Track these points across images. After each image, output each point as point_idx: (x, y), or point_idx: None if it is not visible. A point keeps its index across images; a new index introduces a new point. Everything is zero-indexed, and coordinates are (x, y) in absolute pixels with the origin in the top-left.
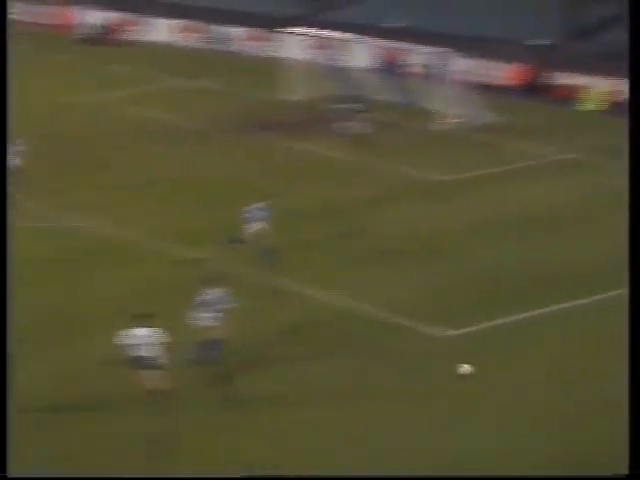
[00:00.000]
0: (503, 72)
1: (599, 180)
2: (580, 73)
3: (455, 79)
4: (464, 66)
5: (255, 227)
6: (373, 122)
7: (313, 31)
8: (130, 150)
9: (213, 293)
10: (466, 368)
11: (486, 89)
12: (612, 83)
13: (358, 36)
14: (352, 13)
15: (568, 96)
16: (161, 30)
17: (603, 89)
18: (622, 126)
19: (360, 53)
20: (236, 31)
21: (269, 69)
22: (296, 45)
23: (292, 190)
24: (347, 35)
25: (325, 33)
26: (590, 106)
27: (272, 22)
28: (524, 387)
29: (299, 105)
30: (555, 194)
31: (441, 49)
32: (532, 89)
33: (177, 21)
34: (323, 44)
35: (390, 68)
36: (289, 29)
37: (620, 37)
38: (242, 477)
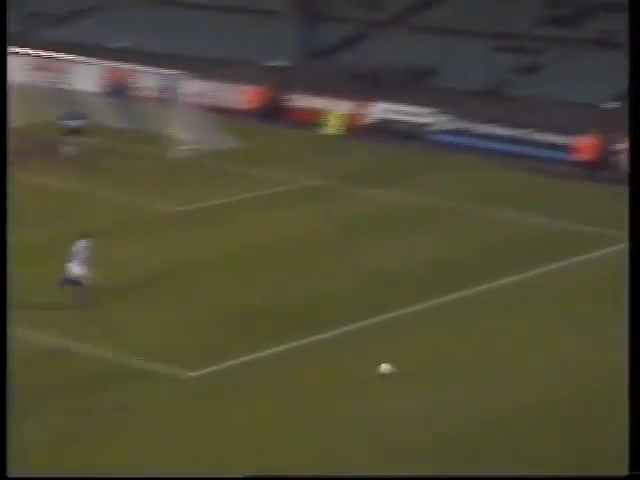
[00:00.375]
0: (240, 95)
1: (346, 207)
2: (320, 95)
3: (190, 103)
4: (199, 89)
5: (79, 266)
6: (101, 149)
7: (31, 51)
8: None
9: None
10: (385, 367)
11: (223, 113)
12: (352, 105)
13: (83, 57)
14: (75, 32)
15: (309, 119)
16: None
17: (343, 111)
18: (364, 150)
19: (85, 75)
20: None
21: None
22: (13, 66)
23: (13, 225)
24: (70, 56)
25: (45, 53)
26: (331, 129)
27: None
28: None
29: (17, 132)
30: (301, 222)
31: (174, 71)
32: (271, 112)
33: None
34: (43, 65)
35: (119, 91)
36: None
37: (358, 58)
38: (242, 477)
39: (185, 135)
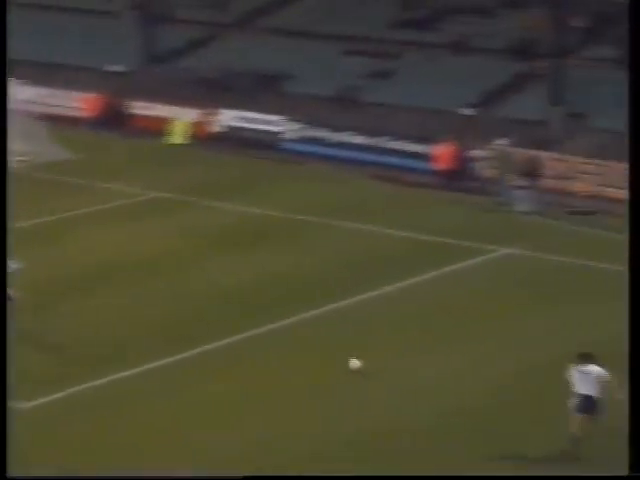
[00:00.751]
0: (76, 102)
1: (193, 220)
2: (163, 102)
3: (20, 110)
4: (30, 96)
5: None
6: None
7: None
8: None
9: None
10: (355, 362)
11: (58, 121)
12: (198, 113)
13: None
14: None
15: (151, 128)
16: None
17: (189, 120)
18: (212, 160)
19: None
20: None
21: None
22: None
23: None
24: None
25: None
26: (176, 139)
27: None
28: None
29: None
30: (145, 237)
31: None
32: (111, 121)
33: None
34: None
35: None
36: None
37: (203, 62)
38: (242, 477)
39: (16, 146)
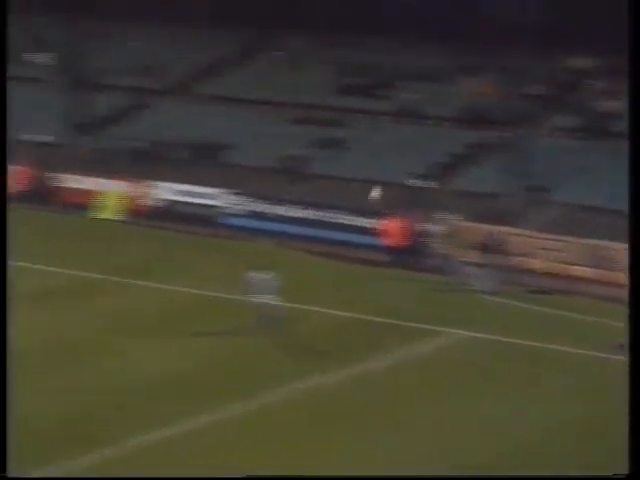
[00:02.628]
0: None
1: (121, 303)
2: (92, 174)
3: None
4: None
5: None
6: None
7: None
8: None
9: None
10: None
11: None
12: (131, 185)
13: None
14: None
15: (81, 202)
16: None
17: (121, 193)
18: (147, 236)
19: None
20: None
21: None
22: None
23: None
24: None
25: None
26: (107, 213)
27: None
28: None
29: None
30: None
31: None
32: (35, 194)
33: None
34: None
35: None
36: None
37: (136, 131)
38: (242, 477)
39: None
